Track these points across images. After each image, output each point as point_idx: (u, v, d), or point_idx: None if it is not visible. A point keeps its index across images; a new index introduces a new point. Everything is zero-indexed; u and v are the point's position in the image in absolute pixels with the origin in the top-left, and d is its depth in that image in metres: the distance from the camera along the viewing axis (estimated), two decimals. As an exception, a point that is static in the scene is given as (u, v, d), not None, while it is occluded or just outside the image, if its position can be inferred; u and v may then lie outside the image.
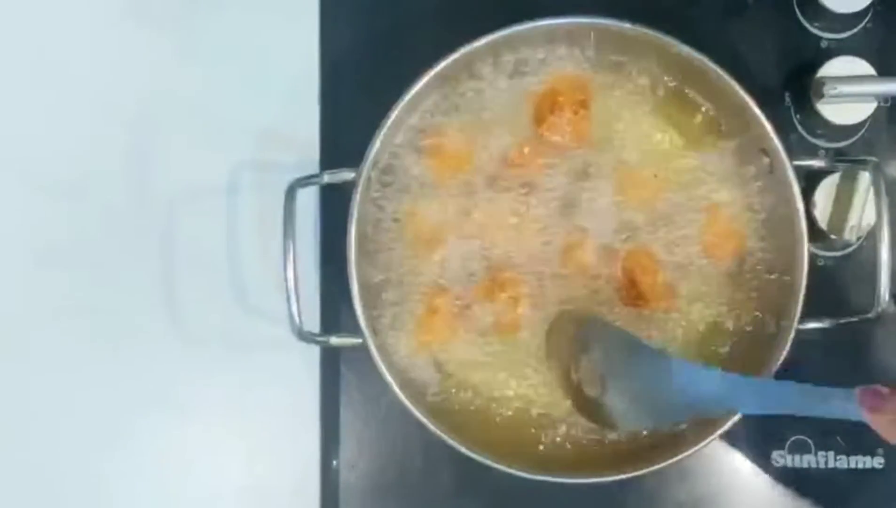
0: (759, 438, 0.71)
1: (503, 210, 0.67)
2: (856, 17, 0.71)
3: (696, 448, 0.63)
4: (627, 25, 0.64)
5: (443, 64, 0.64)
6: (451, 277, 0.67)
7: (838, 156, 0.71)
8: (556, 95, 0.67)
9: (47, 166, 0.73)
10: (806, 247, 0.63)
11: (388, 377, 0.63)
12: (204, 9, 0.74)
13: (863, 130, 0.71)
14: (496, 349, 0.67)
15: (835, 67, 0.69)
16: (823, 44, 0.72)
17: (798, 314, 0.63)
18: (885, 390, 0.53)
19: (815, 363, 0.69)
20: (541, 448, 0.67)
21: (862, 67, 0.69)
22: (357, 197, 0.64)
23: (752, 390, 0.57)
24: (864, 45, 0.71)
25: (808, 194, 0.68)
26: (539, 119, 0.67)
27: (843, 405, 0.54)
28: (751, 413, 0.57)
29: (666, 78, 0.66)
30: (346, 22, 0.73)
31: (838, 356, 0.71)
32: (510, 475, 0.63)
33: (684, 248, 0.67)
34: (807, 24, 0.72)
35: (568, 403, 0.65)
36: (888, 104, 0.71)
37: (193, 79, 0.74)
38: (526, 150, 0.67)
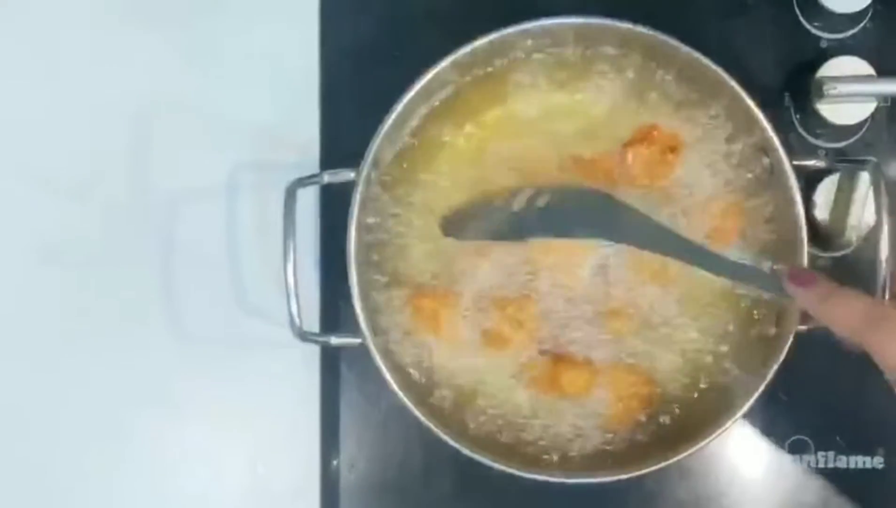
0: (759, 438, 0.71)
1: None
2: (856, 17, 0.71)
3: (696, 448, 0.63)
4: (627, 26, 0.64)
5: (443, 64, 0.64)
6: (457, 281, 0.67)
7: (838, 156, 0.71)
8: (654, 129, 0.67)
9: (48, 166, 0.73)
10: (806, 247, 0.63)
11: (388, 377, 0.63)
12: (204, 9, 0.74)
13: (863, 130, 0.71)
14: (494, 357, 0.67)
15: (835, 67, 0.69)
16: (823, 44, 0.72)
17: (798, 315, 0.63)
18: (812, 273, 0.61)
19: (815, 364, 0.69)
20: (541, 447, 0.67)
21: (862, 67, 0.69)
22: (357, 197, 0.64)
23: (688, 248, 0.63)
24: (864, 45, 0.71)
25: (807, 194, 0.68)
26: (630, 141, 0.67)
27: (771, 282, 0.62)
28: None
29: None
30: (346, 22, 0.73)
31: (838, 356, 0.71)
32: (510, 475, 0.63)
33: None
34: (807, 24, 0.72)
35: (567, 405, 0.66)
36: (888, 104, 0.71)
37: (193, 79, 0.74)
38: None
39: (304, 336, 0.64)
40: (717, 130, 0.67)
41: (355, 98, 0.72)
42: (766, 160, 0.65)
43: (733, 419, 0.63)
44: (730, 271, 0.64)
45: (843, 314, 0.57)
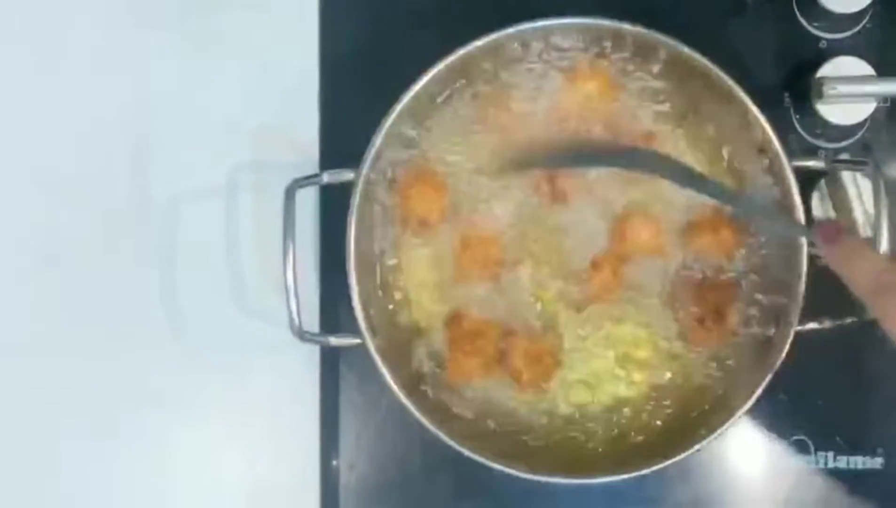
0: (759, 438, 0.71)
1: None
2: (855, 17, 0.71)
3: (696, 447, 0.63)
4: (627, 26, 0.64)
5: (443, 64, 0.64)
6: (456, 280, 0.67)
7: (837, 156, 0.71)
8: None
9: (48, 167, 0.73)
10: (805, 247, 0.63)
11: (388, 378, 0.63)
12: (204, 9, 0.74)
13: (862, 131, 0.71)
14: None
15: (834, 67, 0.69)
16: (823, 44, 0.72)
17: (797, 315, 0.63)
18: (841, 224, 0.61)
19: (815, 364, 0.69)
20: (541, 448, 0.67)
21: (861, 67, 0.69)
22: (357, 197, 0.64)
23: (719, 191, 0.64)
24: (863, 45, 0.71)
25: (807, 194, 0.68)
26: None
27: (801, 229, 0.62)
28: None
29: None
30: (346, 22, 0.73)
31: (838, 357, 0.71)
32: (510, 475, 0.63)
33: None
34: (806, 24, 0.72)
35: (568, 406, 0.67)
36: (888, 104, 0.71)
37: (193, 79, 0.74)
38: None
39: (303, 336, 0.64)
40: (714, 130, 0.67)
41: (355, 98, 0.72)
42: (765, 161, 0.65)
43: (733, 420, 0.63)
44: (747, 207, 0.65)
45: (858, 276, 0.56)
